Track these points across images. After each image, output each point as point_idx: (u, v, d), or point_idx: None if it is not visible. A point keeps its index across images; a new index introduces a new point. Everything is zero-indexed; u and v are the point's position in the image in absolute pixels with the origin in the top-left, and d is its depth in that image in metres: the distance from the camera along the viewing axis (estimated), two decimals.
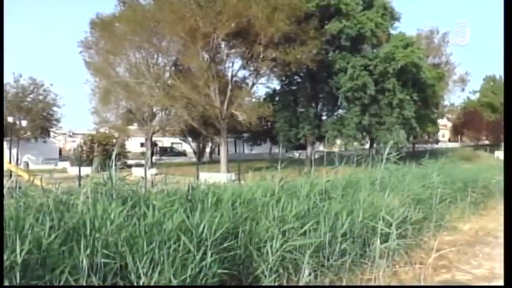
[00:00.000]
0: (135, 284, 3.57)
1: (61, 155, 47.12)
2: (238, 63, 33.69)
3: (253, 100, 34.84)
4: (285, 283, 4.43)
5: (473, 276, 5.79)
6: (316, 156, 20.21)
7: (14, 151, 32.73)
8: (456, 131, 71.92)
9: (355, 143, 35.16)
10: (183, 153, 55.83)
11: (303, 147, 36.89)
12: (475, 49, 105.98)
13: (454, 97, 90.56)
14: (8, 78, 40.00)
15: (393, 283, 5.12)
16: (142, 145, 48.35)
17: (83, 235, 3.63)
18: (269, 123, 35.92)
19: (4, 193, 4.61)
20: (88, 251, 3.48)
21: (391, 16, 36.49)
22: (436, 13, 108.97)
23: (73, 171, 26.52)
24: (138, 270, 3.56)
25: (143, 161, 31.61)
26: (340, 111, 36.69)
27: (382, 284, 4.98)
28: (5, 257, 3.16)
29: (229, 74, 33.23)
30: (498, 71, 70.79)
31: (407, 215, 6.06)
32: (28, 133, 42.27)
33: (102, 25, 35.61)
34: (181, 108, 31.47)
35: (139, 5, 33.60)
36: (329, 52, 34.21)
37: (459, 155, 28.44)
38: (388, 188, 6.52)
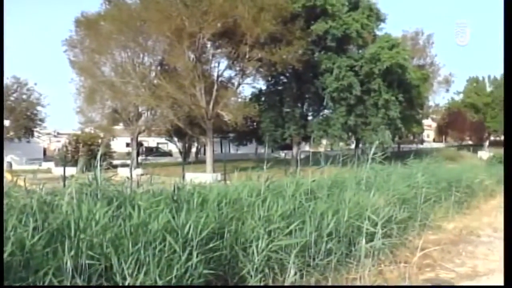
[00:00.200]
0: (120, 285, 3.54)
1: (46, 155, 46.63)
2: (224, 63, 33.70)
3: (239, 100, 34.78)
4: (271, 283, 4.44)
5: (457, 274, 5.87)
6: (302, 156, 20.23)
7: None
8: (441, 132, 72.65)
9: (341, 143, 35.20)
10: (169, 153, 55.51)
11: (289, 147, 36.92)
12: (462, 50, 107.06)
13: (439, 98, 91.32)
14: None
15: (378, 282, 5.16)
16: (127, 145, 47.90)
17: (67, 236, 3.59)
18: (255, 123, 35.98)
19: None
20: (72, 252, 3.44)
21: (377, 17, 36.73)
22: (420, 14, 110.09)
23: (57, 171, 26.29)
24: (123, 271, 3.53)
25: (128, 161, 31.39)
26: (326, 111, 36.80)
27: (367, 283, 5.01)
28: None
29: (215, 74, 33.18)
30: (482, 73, 72.22)
31: (392, 215, 6.10)
32: (11, 133, 41.61)
33: (87, 23, 35.22)
34: (167, 108, 31.37)
35: (125, 4, 33.32)
36: (315, 52, 34.30)
37: (444, 155, 28.87)
38: (374, 188, 6.58)
